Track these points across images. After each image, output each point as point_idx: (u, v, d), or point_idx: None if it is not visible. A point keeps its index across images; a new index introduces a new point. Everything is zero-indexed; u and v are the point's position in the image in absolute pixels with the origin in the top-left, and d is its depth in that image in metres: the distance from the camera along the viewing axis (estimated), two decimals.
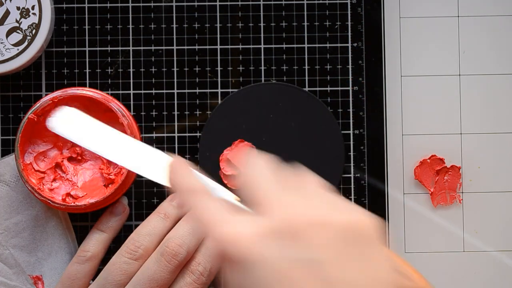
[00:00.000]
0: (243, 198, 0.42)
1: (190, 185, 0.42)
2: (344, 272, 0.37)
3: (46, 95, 0.60)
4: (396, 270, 0.45)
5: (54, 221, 0.60)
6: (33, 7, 0.59)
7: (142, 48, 0.62)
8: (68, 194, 0.59)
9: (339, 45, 0.63)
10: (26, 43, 0.59)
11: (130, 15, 0.62)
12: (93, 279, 0.59)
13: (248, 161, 0.43)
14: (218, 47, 0.63)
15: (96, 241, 0.59)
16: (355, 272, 0.38)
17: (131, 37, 0.62)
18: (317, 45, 0.63)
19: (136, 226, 0.59)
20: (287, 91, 0.62)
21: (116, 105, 0.58)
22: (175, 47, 0.62)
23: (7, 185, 0.60)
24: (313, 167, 0.61)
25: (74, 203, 0.58)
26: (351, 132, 0.62)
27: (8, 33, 0.59)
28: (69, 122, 0.52)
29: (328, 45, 0.63)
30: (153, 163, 0.49)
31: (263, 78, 0.62)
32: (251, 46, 0.62)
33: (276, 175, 0.42)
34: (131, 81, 0.62)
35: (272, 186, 0.41)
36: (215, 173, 0.62)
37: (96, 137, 0.51)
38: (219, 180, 0.61)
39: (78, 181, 0.60)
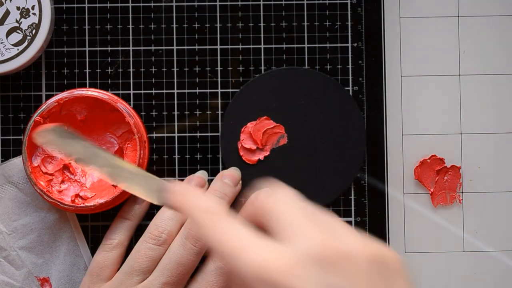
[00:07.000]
0: (263, 225, 0.41)
1: (204, 206, 0.41)
2: None
3: (46, 95, 0.60)
4: None
5: (62, 223, 0.60)
6: (33, 7, 0.59)
7: (142, 48, 0.62)
8: (77, 195, 0.59)
9: (339, 45, 0.63)
10: (26, 43, 0.59)
11: (130, 15, 0.62)
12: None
13: (275, 190, 0.42)
14: (218, 47, 0.63)
15: (121, 229, 0.59)
16: None
17: (131, 37, 0.62)
18: (317, 45, 0.62)
19: (153, 213, 0.59)
20: (324, 82, 0.61)
21: (123, 105, 0.59)
22: (175, 47, 0.62)
23: (16, 186, 0.60)
24: (333, 161, 0.62)
25: (83, 204, 0.58)
26: None
27: (8, 33, 0.59)
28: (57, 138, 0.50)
29: (328, 45, 0.63)
30: (144, 184, 0.48)
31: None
32: (251, 46, 0.62)
33: (302, 208, 0.41)
34: (131, 81, 0.62)
35: (299, 217, 0.40)
36: (233, 142, 0.61)
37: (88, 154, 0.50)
38: (236, 151, 0.61)
39: (86, 182, 0.60)
